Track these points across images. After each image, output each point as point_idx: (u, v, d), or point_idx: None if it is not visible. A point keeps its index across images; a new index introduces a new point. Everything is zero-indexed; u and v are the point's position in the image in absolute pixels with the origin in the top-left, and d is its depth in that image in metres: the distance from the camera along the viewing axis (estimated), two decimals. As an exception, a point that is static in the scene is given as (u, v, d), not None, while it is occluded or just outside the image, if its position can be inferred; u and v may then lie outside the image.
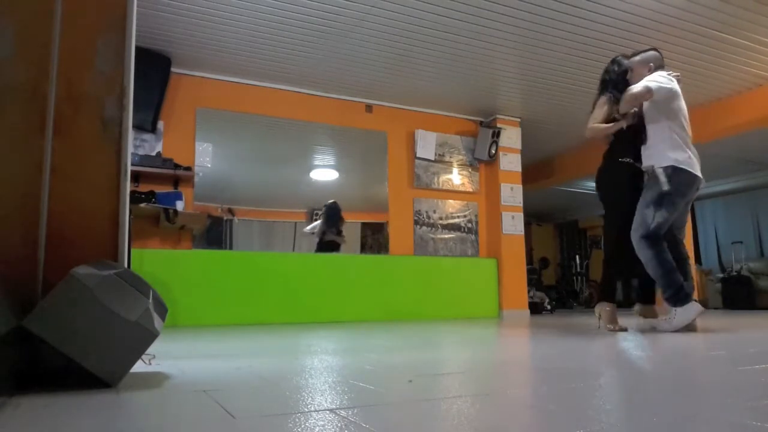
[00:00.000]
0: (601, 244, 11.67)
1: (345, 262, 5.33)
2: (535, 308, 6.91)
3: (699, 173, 3.14)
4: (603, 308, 3.29)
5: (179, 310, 4.35)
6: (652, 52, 3.34)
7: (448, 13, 4.10)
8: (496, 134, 6.11)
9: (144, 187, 4.57)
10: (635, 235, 3.07)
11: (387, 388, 1.28)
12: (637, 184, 3.26)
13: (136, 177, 4.55)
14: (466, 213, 6.13)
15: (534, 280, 8.18)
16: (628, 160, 3.31)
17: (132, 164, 1.84)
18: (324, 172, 5.74)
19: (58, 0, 1.49)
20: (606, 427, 0.81)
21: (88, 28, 1.54)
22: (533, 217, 11.06)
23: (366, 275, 5.34)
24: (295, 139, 5.53)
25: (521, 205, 6.26)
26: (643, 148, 3.22)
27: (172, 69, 4.81)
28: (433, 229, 5.90)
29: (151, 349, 1.32)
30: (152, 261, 4.39)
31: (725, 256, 9.30)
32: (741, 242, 9.01)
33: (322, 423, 0.87)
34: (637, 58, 3.35)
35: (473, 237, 6.12)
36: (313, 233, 5.41)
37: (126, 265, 1.49)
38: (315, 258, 5.26)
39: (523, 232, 6.24)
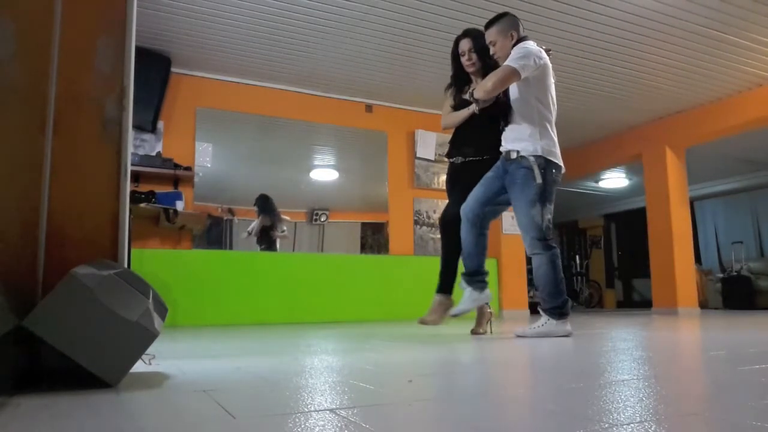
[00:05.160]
0: (600, 243, 11.67)
1: (345, 262, 5.33)
2: (536, 308, 6.90)
3: (562, 162, 2.83)
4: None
5: (179, 310, 4.35)
6: (507, 18, 2.84)
7: (448, 12, 4.11)
8: (496, 134, 6.11)
9: (144, 187, 4.57)
10: (527, 237, 2.74)
11: (387, 388, 1.28)
12: (461, 178, 3.01)
13: (136, 177, 4.55)
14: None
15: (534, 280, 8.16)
16: (451, 159, 3.08)
17: (132, 164, 1.84)
18: (324, 172, 5.74)
19: (58, 0, 1.49)
20: (606, 426, 0.81)
21: (88, 28, 1.54)
22: (533, 217, 11.04)
23: (366, 275, 5.34)
24: (295, 139, 5.54)
25: (521, 205, 6.26)
26: (507, 129, 2.84)
27: (172, 69, 4.81)
28: (433, 229, 5.90)
29: (151, 349, 1.32)
30: (152, 261, 4.39)
31: (725, 256, 9.30)
32: (741, 242, 9.01)
33: (322, 423, 0.87)
34: (493, 29, 2.82)
35: (473, 237, 6.11)
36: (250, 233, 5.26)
37: (126, 265, 1.49)
38: (315, 258, 5.26)
39: (523, 232, 6.23)
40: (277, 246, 5.30)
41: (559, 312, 2.67)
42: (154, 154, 4.75)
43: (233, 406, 1.01)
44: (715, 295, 8.32)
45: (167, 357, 1.84)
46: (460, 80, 3.10)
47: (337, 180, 5.73)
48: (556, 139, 2.80)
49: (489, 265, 6.03)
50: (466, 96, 2.89)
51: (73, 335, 1.18)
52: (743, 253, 8.83)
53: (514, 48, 2.73)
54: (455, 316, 2.88)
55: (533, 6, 4.02)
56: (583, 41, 4.56)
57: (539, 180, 2.67)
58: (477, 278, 2.85)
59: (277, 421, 0.89)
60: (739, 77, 5.31)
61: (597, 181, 9.32)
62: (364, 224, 5.75)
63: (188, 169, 4.79)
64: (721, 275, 8.57)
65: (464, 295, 2.86)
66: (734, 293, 7.99)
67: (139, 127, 4.61)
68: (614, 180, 9.20)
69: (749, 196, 9.21)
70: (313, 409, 0.98)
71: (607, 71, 5.16)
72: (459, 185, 3.03)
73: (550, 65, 2.82)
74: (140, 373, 1.42)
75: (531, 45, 2.73)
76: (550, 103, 2.82)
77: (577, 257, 11.63)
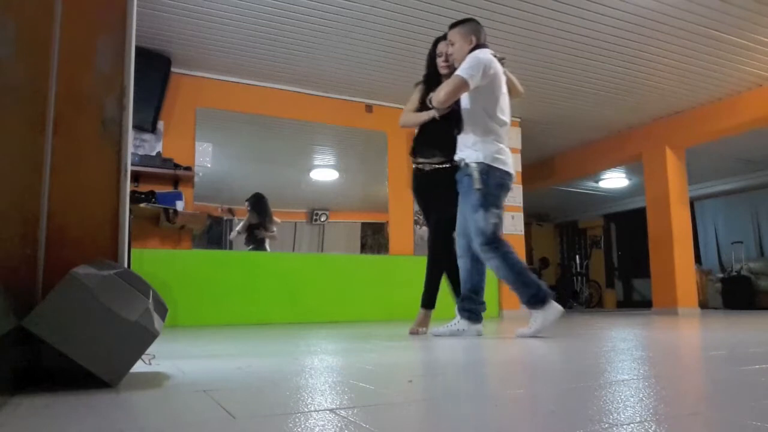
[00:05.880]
0: (600, 243, 11.68)
1: (345, 262, 5.33)
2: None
3: (511, 169, 2.82)
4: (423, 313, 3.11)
5: (179, 310, 4.35)
6: (471, 23, 2.90)
7: (447, 13, 4.10)
8: (496, 134, 6.11)
9: (144, 187, 4.57)
10: (475, 245, 2.74)
11: (387, 388, 1.28)
12: (429, 184, 3.02)
13: (136, 177, 4.55)
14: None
15: (534, 280, 8.17)
16: (417, 165, 3.06)
17: (132, 164, 1.84)
18: (324, 172, 5.74)
19: (58, 0, 1.49)
20: (606, 426, 0.81)
21: (88, 28, 1.54)
22: (533, 217, 11.08)
23: (366, 275, 5.34)
24: (295, 139, 5.54)
25: (521, 205, 6.27)
26: (459, 137, 2.86)
27: (172, 69, 4.81)
28: (433, 229, 5.90)
29: (151, 349, 1.32)
30: (152, 261, 4.39)
31: (725, 256, 9.31)
32: (741, 242, 9.01)
33: (322, 423, 0.87)
34: (456, 30, 2.88)
35: (473, 237, 6.12)
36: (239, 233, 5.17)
37: (126, 265, 1.49)
38: (315, 258, 5.26)
39: (523, 232, 6.24)
40: (266, 246, 5.26)
41: (538, 299, 2.64)
42: (154, 154, 4.75)
43: (233, 406, 1.01)
44: (715, 295, 8.32)
45: (167, 357, 1.84)
46: (431, 80, 3.08)
47: (337, 180, 5.73)
48: (503, 146, 2.81)
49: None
50: (427, 102, 2.91)
51: (73, 335, 1.18)
52: (743, 253, 8.83)
53: (468, 56, 2.76)
54: (436, 335, 2.86)
55: (534, 6, 4.01)
56: (583, 41, 4.56)
57: (478, 186, 2.70)
58: (468, 305, 2.85)
59: (277, 421, 0.89)
60: (739, 77, 5.31)
61: (597, 181, 9.33)
62: (364, 224, 5.75)
63: (188, 169, 4.79)
64: (721, 275, 8.57)
65: (455, 318, 2.89)
66: (734, 293, 7.99)
67: (139, 127, 4.61)
68: (614, 180, 9.20)
69: (749, 196, 9.21)
70: (313, 409, 0.98)
71: (607, 71, 5.17)
72: (434, 201, 3.01)
73: (501, 75, 2.83)
74: (140, 373, 1.42)
75: (483, 55, 2.76)
76: (498, 113, 2.81)
77: (577, 257, 11.64)
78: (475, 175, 2.70)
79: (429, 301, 3.11)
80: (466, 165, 2.76)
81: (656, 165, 6.56)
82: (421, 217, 5.84)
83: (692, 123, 6.18)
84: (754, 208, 9.16)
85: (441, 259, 3.10)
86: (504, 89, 2.85)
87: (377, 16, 4.17)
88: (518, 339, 2.66)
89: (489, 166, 2.72)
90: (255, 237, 5.21)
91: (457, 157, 2.85)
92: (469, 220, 2.76)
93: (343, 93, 5.60)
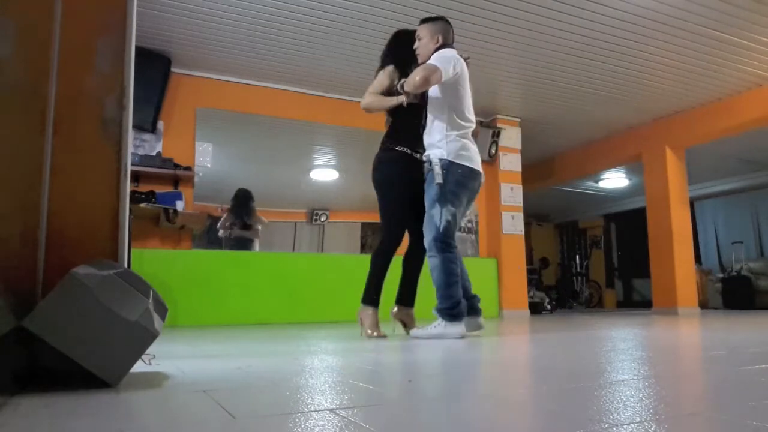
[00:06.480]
0: (600, 243, 11.67)
1: (345, 262, 5.33)
2: (535, 308, 6.91)
3: (478, 167, 2.83)
4: (365, 312, 2.97)
5: (179, 310, 4.35)
6: (441, 22, 2.90)
7: (448, 13, 4.09)
8: (496, 134, 6.12)
9: (144, 187, 4.57)
10: (426, 238, 2.79)
11: (387, 388, 1.28)
12: (415, 175, 2.93)
13: (136, 177, 4.55)
14: (466, 213, 6.14)
15: (534, 280, 8.18)
16: (402, 149, 2.94)
17: (132, 164, 1.84)
18: (324, 172, 5.74)
19: (58, 0, 1.49)
20: (606, 426, 0.81)
21: (88, 28, 1.54)
22: (533, 217, 11.08)
23: (366, 275, 5.33)
24: (295, 139, 5.54)
25: (521, 205, 6.26)
26: (424, 134, 2.86)
27: (172, 69, 4.82)
28: (433, 229, 5.90)
29: (151, 349, 1.32)
30: (152, 261, 4.39)
31: (725, 256, 9.30)
32: (741, 242, 9.01)
33: (322, 423, 0.87)
34: (426, 26, 2.90)
35: (473, 237, 6.12)
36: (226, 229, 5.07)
37: (126, 265, 1.49)
38: (315, 258, 5.25)
39: (523, 232, 6.24)
40: (255, 246, 5.18)
41: (449, 314, 2.69)
42: (154, 154, 4.75)
43: (233, 406, 1.01)
44: (715, 295, 8.32)
45: (167, 357, 1.84)
46: (405, 64, 2.99)
47: (337, 180, 5.73)
48: (468, 142, 2.83)
49: (489, 264, 6.03)
50: (397, 86, 2.87)
51: (73, 335, 1.18)
52: (743, 253, 8.83)
53: (436, 52, 2.79)
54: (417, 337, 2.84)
55: (534, 6, 4.01)
56: (583, 41, 4.56)
57: (439, 180, 2.73)
58: (470, 303, 2.90)
59: (277, 421, 0.89)
60: (739, 77, 5.31)
61: (597, 181, 9.33)
62: (364, 224, 5.75)
63: (188, 169, 4.79)
64: (721, 275, 8.57)
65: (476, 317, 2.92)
66: (734, 293, 7.99)
67: (139, 127, 4.61)
68: (614, 180, 9.20)
69: (749, 196, 9.21)
70: (313, 409, 0.98)
71: (607, 71, 5.17)
72: (415, 197, 2.94)
73: (467, 74, 2.85)
74: (140, 373, 1.42)
75: (449, 53, 2.78)
76: (464, 110, 2.83)
77: (577, 257, 11.63)
78: (437, 170, 2.73)
79: (406, 299, 3.20)
80: (431, 162, 2.80)
81: (656, 165, 6.56)
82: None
83: (692, 123, 6.18)
84: (754, 208, 9.16)
85: (408, 258, 3.15)
86: (468, 88, 2.88)
87: (377, 16, 4.17)
88: (519, 339, 2.66)
89: (451, 162, 2.74)
90: (229, 237, 5.07)
91: (424, 155, 2.87)
92: (426, 212, 2.81)
93: (343, 93, 5.60)
